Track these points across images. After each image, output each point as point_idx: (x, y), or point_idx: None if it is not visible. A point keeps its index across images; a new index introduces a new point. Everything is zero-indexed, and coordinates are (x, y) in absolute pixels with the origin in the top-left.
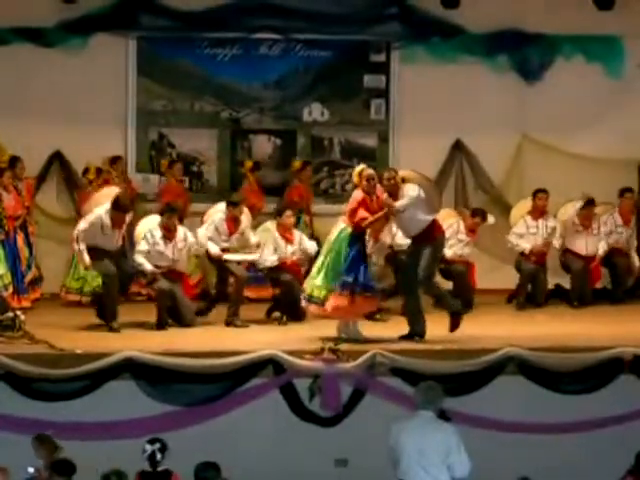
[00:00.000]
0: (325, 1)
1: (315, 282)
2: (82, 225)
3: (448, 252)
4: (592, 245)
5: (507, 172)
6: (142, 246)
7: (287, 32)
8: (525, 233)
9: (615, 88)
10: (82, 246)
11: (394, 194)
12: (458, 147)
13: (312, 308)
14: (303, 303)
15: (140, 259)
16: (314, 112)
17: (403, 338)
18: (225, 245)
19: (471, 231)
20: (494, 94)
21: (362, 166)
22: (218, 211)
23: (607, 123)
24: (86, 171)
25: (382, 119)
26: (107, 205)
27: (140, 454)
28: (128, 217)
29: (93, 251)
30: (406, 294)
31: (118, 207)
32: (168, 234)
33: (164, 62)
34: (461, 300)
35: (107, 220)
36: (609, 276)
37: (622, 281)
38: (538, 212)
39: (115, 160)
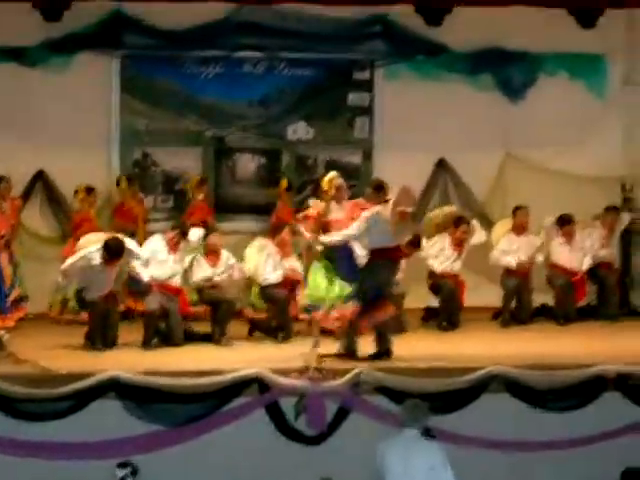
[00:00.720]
0: (309, 19)
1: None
2: (69, 261)
3: (438, 268)
4: (577, 260)
5: (491, 190)
6: (142, 253)
7: (271, 50)
8: (509, 249)
9: (598, 106)
10: (65, 283)
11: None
12: (442, 165)
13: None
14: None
15: (139, 268)
16: (298, 130)
17: (372, 357)
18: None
19: (457, 245)
20: (478, 112)
21: (333, 174)
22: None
23: (590, 141)
24: (76, 193)
25: (366, 137)
26: (98, 245)
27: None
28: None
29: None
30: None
31: (110, 252)
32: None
33: (148, 81)
34: (447, 318)
35: (97, 260)
36: (596, 293)
37: (608, 298)
38: (520, 228)
39: (130, 180)
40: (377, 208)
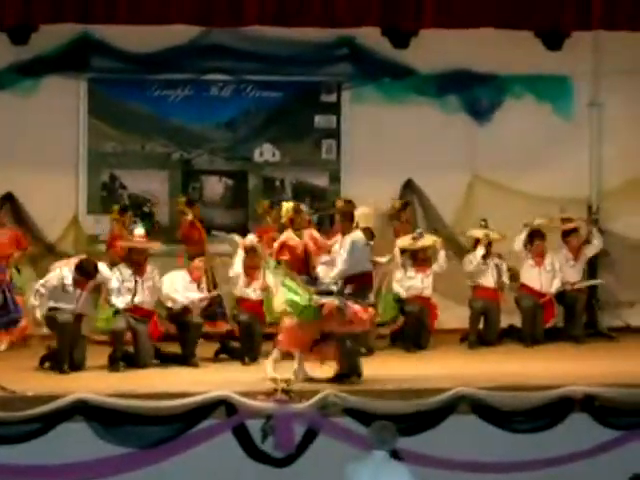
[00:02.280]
0: (276, 42)
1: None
2: (42, 280)
3: (403, 293)
4: (546, 282)
5: (458, 211)
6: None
7: (238, 73)
8: (476, 270)
9: (564, 128)
10: (37, 302)
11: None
12: (409, 187)
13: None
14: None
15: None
16: (265, 153)
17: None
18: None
19: (420, 267)
20: (445, 134)
21: (293, 204)
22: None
23: (557, 162)
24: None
25: (333, 159)
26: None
27: None
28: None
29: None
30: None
31: (81, 272)
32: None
33: (115, 104)
34: (412, 340)
35: (69, 280)
36: (563, 314)
37: (576, 319)
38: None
39: (191, 203)
40: (355, 234)
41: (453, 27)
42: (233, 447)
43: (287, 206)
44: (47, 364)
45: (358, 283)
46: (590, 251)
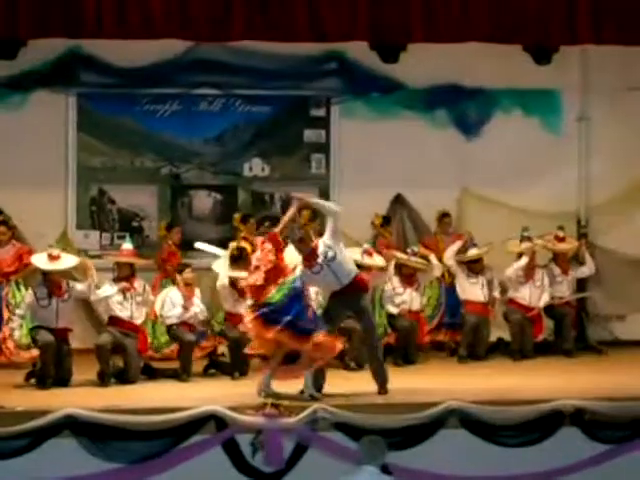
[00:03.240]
0: (264, 57)
1: None
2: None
3: (394, 310)
4: (535, 296)
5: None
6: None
7: (227, 88)
8: (466, 286)
9: (553, 142)
10: (15, 324)
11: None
12: (399, 201)
13: None
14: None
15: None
16: (254, 167)
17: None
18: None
19: (408, 282)
20: (434, 149)
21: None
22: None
23: (546, 176)
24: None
25: (322, 174)
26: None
27: None
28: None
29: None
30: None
31: (49, 285)
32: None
33: (104, 118)
34: (401, 355)
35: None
36: (553, 328)
37: (565, 333)
38: (475, 267)
39: (245, 218)
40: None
41: (442, 41)
42: (223, 462)
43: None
44: (32, 380)
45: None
46: (581, 273)
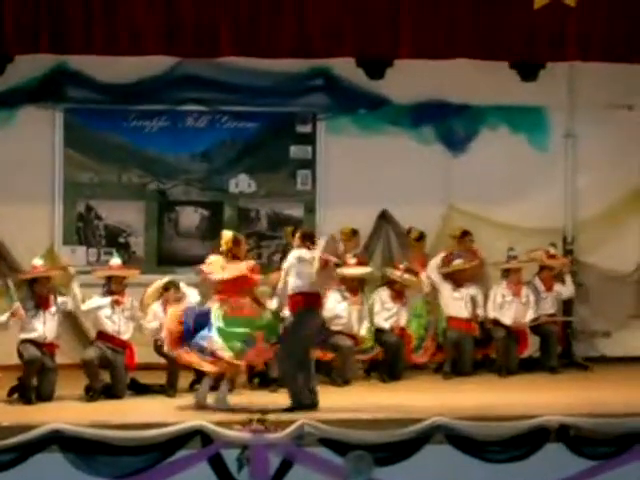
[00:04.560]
0: (251, 73)
1: None
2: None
3: (385, 324)
4: (521, 314)
5: (434, 242)
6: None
7: (213, 104)
8: (450, 302)
9: (539, 159)
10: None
11: None
12: (384, 217)
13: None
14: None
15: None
16: (241, 183)
17: (287, 410)
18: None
19: (397, 297)
20: (420, 165)
21: (232, 233)
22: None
23: (532, 193)
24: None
25: (308, 190)
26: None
27: None
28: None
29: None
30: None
31: (37, 296)
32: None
33: (91, 134)
34: (387, 370)
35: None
36: (539, 344)
37: (550, 349)
38: (460, 281)
39: (354, 234)
40: (299, 251)
41: (428, 58)
42: (209, 477)
43: (227, 236)
44: (15, 395)
45: (303, 304)
46: (558, 295)
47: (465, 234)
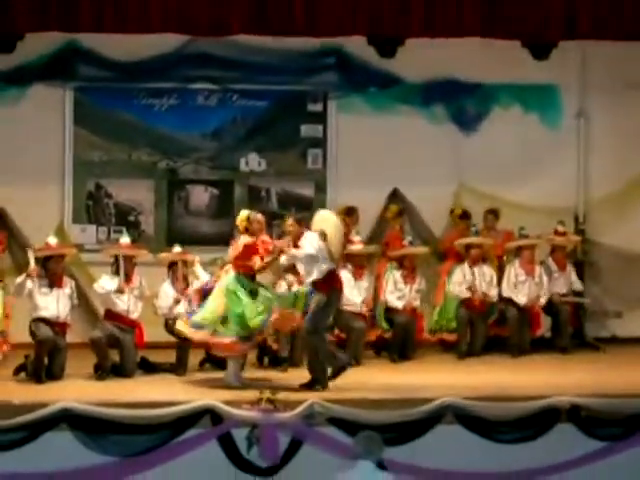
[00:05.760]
0: (262, 51)
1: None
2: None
3: (399, 304)
4: (534, 293)
5: (445, 222)
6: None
7: (224, 82)
8: (463, 281)
9: (551, 138)
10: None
11: (296, 239)
12: (395, 196)
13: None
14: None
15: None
16: (251, 162)
17: (303, 387)
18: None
19: (408, 277)
20: (431, 144)
21: (247, 211)
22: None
23: (544, 172)
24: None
25: (319, 169)
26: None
27: None
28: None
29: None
30: (305, 343)
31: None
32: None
33: (101, 112)
34: (398, 351)
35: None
36: (550, 325)
37: (562, 330)
38: (472, 260)
39: (350, 211)
40: (313, 233)
41: (440, 36)
42: (218, 456)
43: (241, 215)
44: (22, 374)
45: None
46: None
47: (490, 212)
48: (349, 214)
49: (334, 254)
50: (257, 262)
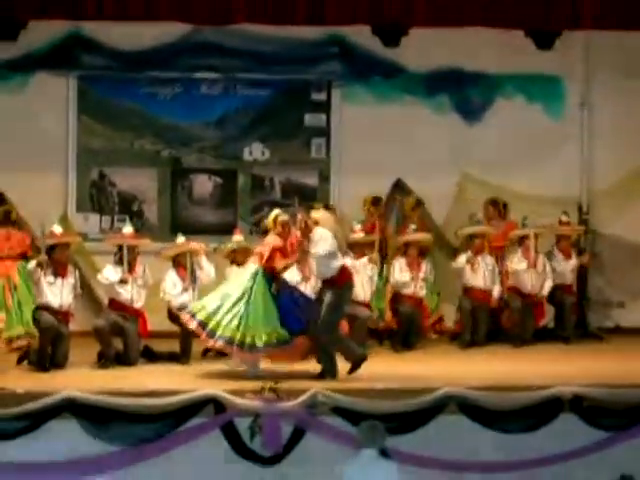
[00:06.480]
0: (265, 40)
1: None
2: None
3: (407, 290)
4: (537, 283)
5: (449, 212)
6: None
7: (227, 71)
8: (468, 271)
9: (555, 128)
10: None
11: (304, 236)
12: (399, 186)
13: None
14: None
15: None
16: (255, 151)
17: (314, 378)
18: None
19: (414, 266)
20: (435, 134)
21: (277, 212)
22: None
23: (547, 162)
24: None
25: (323, 158)
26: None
27: None
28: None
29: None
30: (314, 334)
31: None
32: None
33: (105, 101)
34: (401, 340)
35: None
36: (554, 314)
37: (566, 320)
38: (476, 250)
39: (377, 201)
40: (325, 228)
41: (444, 26)
42: (221, 445)
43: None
44: (24, 362)
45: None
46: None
47: (491, 203)
48: (375, 204)
49: (342, 247)
50: (281, 263)
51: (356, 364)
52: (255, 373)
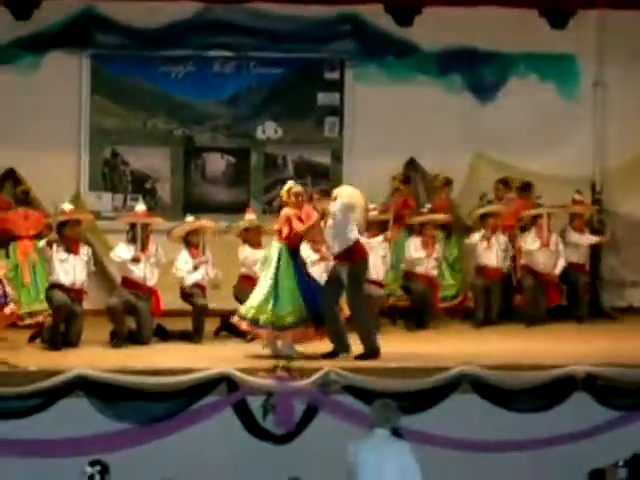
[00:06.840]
0: (278, 19)
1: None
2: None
3: (420, 269)
4: (550, 262)
5: (461, 191)
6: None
7: (240, 50)
8: (481, 250)
9: (568, 107)
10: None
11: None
12: (412, 165)
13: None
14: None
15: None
16: (267, 130)
17: (327, 356)
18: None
19: (426, 245)
20: (448, 113)
21: (290, 183)
22: None
23: (560, 141)
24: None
25: (336, 137)
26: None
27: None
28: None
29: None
30: (326, 311)
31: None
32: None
33: (118, 80)
34: (414, 319)
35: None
36: (566, 294)
37: (579, 299)
38: (490, 229)
39: (407, 180)
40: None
41: (457, 5)
42: (234, 424)
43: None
44: (37, 340)
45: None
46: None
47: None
48: (405, 182)
49: (362, 225)
50: (301, 227)
51: (367, 355)
52: (289, 352)
